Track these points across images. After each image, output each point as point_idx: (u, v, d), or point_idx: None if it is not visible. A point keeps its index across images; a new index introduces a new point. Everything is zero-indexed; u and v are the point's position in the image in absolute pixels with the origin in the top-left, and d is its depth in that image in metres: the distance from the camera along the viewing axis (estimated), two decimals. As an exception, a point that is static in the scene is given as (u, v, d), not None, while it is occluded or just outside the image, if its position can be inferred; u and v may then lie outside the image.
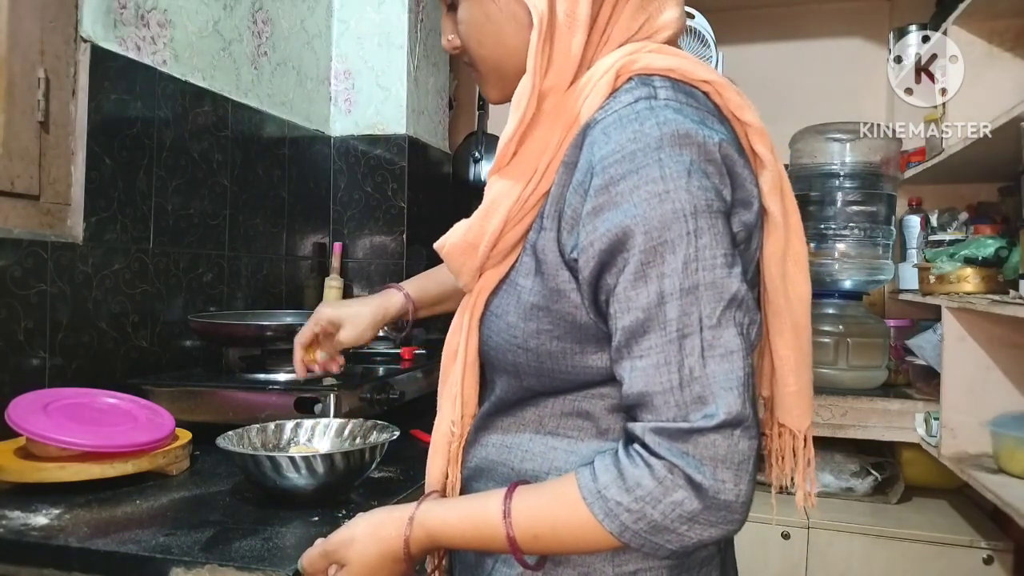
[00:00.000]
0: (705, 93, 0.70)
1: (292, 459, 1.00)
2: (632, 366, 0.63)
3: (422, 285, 1.14)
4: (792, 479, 0.87)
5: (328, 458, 1.02)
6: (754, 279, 0.73)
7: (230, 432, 1.11)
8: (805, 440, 0.82)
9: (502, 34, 0.73)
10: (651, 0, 0.72)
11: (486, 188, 0.74)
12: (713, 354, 0.60)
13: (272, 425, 1.17)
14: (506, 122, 0.71)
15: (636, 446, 0.62)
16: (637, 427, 0.62)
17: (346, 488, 1.09)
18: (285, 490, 1.03)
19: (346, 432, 1.17)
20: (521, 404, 0.75)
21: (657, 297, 0.61)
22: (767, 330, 0.76)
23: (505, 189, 0.70)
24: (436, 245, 0.78)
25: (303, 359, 1.11)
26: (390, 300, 1.11)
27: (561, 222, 0.67)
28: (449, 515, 0.70)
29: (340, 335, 1.10)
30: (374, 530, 0.72)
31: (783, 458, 0.84)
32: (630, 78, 0.68)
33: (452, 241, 0.75)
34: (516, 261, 0.72)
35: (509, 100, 0.72)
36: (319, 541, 0.75)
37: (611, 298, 0.64)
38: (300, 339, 1.11)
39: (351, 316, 1.10)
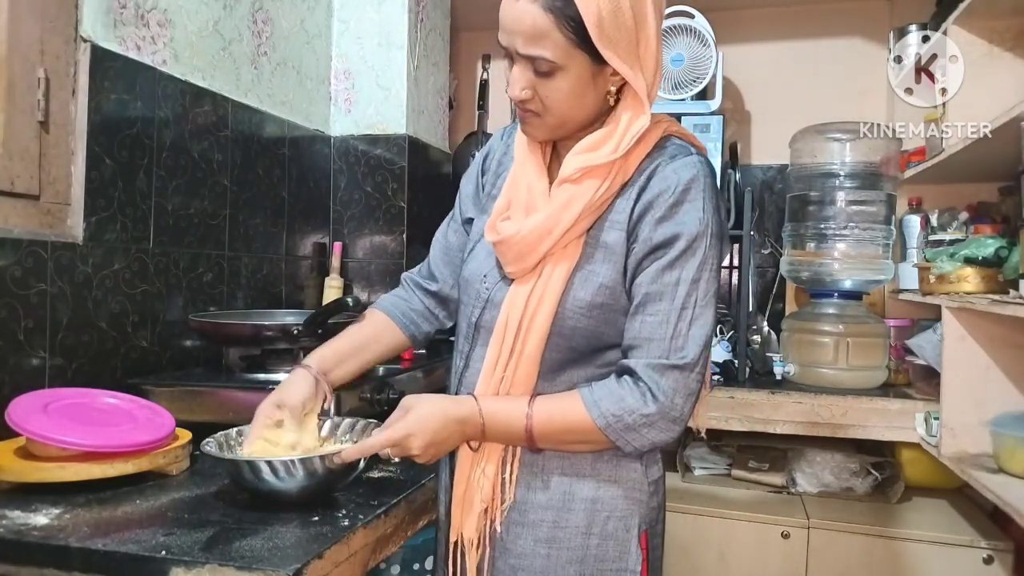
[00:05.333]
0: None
1: (271, 463, 0.99)
2: (643, 319, 0.94)
3: (324, 351, 1.15)
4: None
5: (307, 462, 1.00)
6: None
7: (219, 433, 1.10)
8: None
9: (586, 103, 0.96)
10: None
11: (554, 192, 0.98)
12: (696, 323, 0.94)
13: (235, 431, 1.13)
14: (519, 129, 1.03)
15: (626, 376, 0.94)
16: (631, 362, 0.94)
17: (333, 490, 1.07)
18: (267, 493, 1.02)
19: (339, 432, 1.15)
20: (558, 370, 0.98)
21: (676, 280, 0.94)
22: None
23: (579, 192, 0.96)
24: (500, 238, 0.98)
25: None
26: (298, 379, 1.11)
27: (630, 224, 0.96)
28: (498, 415, 0.97)
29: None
30: (445, 429, 0.96)
31: None
32: (668, 136, 1.01)
33: (528, 228, 0.97)
34: (582, 254, 0.97)
35: (552, 140, 1.02)
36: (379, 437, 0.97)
37: (641, 273, 0.95)
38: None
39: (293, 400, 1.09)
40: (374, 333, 1.19)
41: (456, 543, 1.02)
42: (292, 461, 0.99)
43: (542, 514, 0.99)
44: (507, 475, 0.99)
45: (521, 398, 0.96)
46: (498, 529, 0.99)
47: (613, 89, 0.95)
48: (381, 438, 0.97)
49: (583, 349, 0.97)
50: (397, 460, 0.99)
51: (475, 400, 0.97)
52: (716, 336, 2.38)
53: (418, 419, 0.96)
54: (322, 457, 1.01)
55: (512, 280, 1.00)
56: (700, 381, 0.94)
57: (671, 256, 0.93)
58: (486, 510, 1.00)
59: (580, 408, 0.93)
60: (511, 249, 0.98)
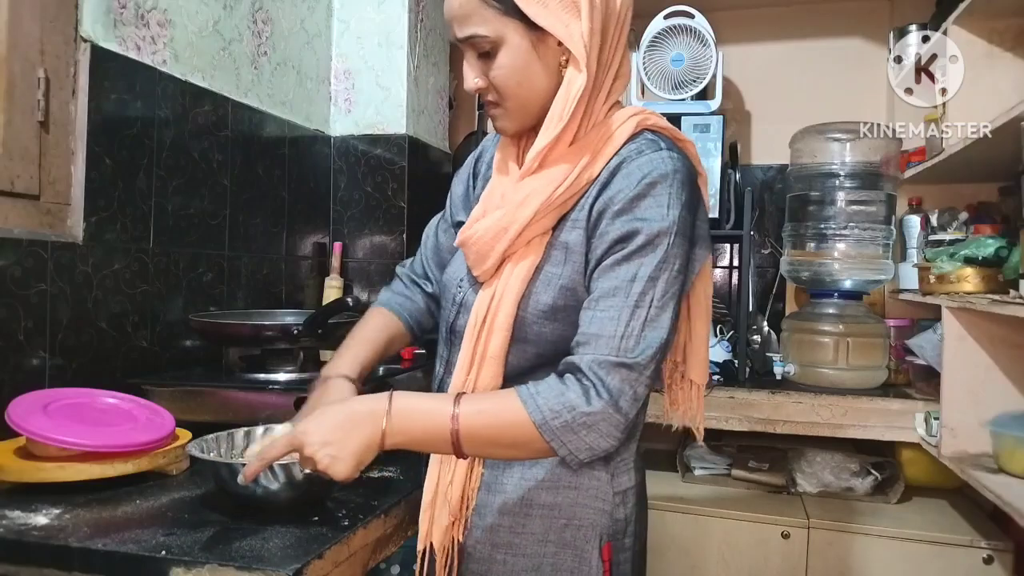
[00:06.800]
0: (681, 148, 0.96)
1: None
2: (594, 315, 0.88)
3: (354, 358, 1.11)
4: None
5: (290, 467, 0.97)
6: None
7: (212, 435, 1.09)
8: (700, 391, 1.11)
9: (538, 79, 0.92)
10: (624, 78, 0.98)
11: (512, 189, 0.94)
12: (651, 324, 0.87)
13: (260, 428, 1.13)
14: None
15: (568, 374, 0.86)
16: (576, 358, 0.86)
17: (324, 495, 1.06)
18: (250, 499, 1.00)
19: None
20: (526, 375, 0.93)
21: (632, 276, 0.87)
22: (691, 313, 1.05)
23: (537, 188, 0.92)
24: (459, 239, 0.97)
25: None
26: (342, 390, 1.05)
27: (590, 222, 0.92)
28: (413, 412, 0.86)
29: None
30: (347, 423, 0.85)
31: (686, 400, 1.11)
32: (643, 130, 0.95)
33: (485, 227, 0.94)
34: (544, 255, 0.93)
35: (522, 132, 0.98)
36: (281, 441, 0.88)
37: (598, 268, 0.90)
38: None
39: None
40: (389, 337, 1.16)
41: (424, 551, 0.98)
42: (275, 466, 0.96)
43: (500, 518, 0.96)
44: (473, 480, 0.96)
45: (448, 395, 0.88)
46: (459, 537, 0.97)
47: (564, 59, 0.91)
48: (280, 443, 0.88)
49: (550, 355, 0.92)
50: (308, 471, 0.87)
51: (391, 394, 0.87)
52: (716, 337, 2.37)
53: (318, 415, 0.86)
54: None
55: (482, 284, 0.97)
56: (649, 387, 0.88)
57: (628, 250, 0.88)
58: (454, 522, 0.96)
59: (515, 403, 0.85)
60: (471, 250, 0.96)
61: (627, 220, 0.88)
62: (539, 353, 0.94)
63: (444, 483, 0.97)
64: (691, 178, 0.92)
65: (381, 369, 1.59)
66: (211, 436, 1.09)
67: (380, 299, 1.21)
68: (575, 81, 0.90)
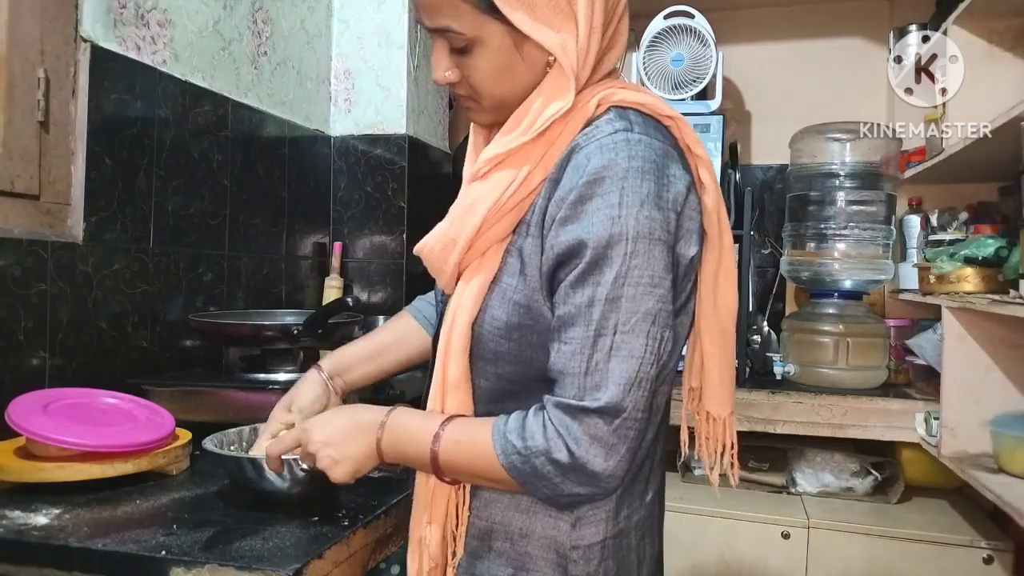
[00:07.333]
0: (667, 127, 0.82)
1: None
2: (558, 348, 0.76)
3: (340, 351, 1.12)
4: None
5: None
6: (692, 291, 0.85)
7: (222, 432, 1.11)
8: (725, 425, 0.97)
9: (516, 78, 0.80)
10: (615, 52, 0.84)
11: (462, 192, 0.84)
12: (618, 354, 0.73)
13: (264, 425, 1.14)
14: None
15: (543, 411, 0.76)
16: (547, 398, 0.76)
17: (333, 491, 1.07)
18: (267, 493, 1.02)
19: None
20: (497, 401, 0.83)
21: (588, 299, 0.74)
22: (698, 329, 0.89)
23: (485, 192, 0.80)
24: (416, 249, 0.87)
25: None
26: (307, 380, 1.09)
27: (543, 227, 0.78)
28: (404, 430, 0.83)
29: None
30: (350, 430, 0.85)
31: (707, 439, 0.98)
32: (609, 108, 0.79)
33: (434, 239, 0.84)
34: (502, 262, 0.81)
35: (498, 125, 0.83)
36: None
37: (557, 291, 0.77)
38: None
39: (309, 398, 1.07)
40: (397, 336, 1.12)
41: None
42: (295, 460, 0.98)
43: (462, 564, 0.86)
44: (460, 524, 0.85)
45: (440, 415, 0.82)
46: None
47: (552, 58, 0.78)
48: (287, 438, 0.91)
49: (515, 378, 0.82)
50: (308, 467, 0.90)
51: (390, 409, 0.85)
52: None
53: (326, 416, 0.88)
54: None
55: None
56: (635, 429, 0.74)
57: (580, 269, 0.74)
58: (435, 567, 0.87)
59: (487, 436, 0.77)
60: (426, 263, 0.86)
61: (572, 230, 0.74)
62: (500, 374, 0.82)
63: (423, 523, 0.87)
64: (657, 163, 0.75)
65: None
66: (219, 434, 1.10)
67: (409, 305, 1.19)
68: (552, 104, 0.78)
